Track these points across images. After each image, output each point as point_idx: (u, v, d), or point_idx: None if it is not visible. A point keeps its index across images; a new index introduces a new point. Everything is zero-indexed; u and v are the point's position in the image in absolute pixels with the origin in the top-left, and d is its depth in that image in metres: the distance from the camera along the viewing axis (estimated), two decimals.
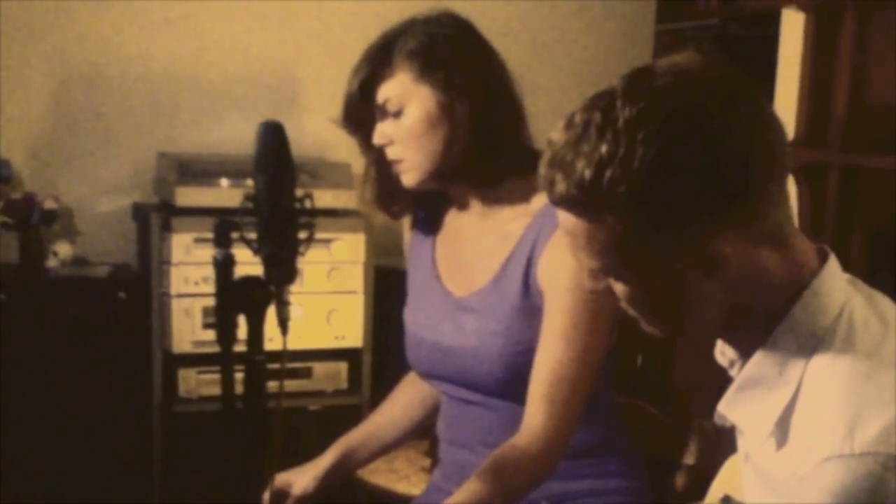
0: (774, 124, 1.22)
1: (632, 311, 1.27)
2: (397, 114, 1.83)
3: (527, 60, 1.93)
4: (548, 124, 1.26)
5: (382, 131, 1.85)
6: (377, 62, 1.84)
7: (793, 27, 3.42)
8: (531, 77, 1.98)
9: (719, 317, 1.25)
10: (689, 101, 1.17)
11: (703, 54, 1.21)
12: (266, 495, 1.61)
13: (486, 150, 1.83)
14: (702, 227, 1.17)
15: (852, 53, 3.29)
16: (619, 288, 1.25)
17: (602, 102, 1.18)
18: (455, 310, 1.91)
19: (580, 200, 1.18)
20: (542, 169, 1.22)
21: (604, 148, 1.15)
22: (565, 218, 1.22)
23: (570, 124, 1.19)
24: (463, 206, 1.95)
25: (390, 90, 1.82)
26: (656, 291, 1.23)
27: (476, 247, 1.93)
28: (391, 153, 1.85)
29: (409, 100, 1.82)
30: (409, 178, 1.86)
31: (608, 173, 1.15)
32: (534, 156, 1.85)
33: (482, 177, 1.87)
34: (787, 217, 1.24)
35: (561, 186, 1.19)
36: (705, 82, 1.19)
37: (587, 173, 1.16)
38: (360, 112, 1.86)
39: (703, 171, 1.15)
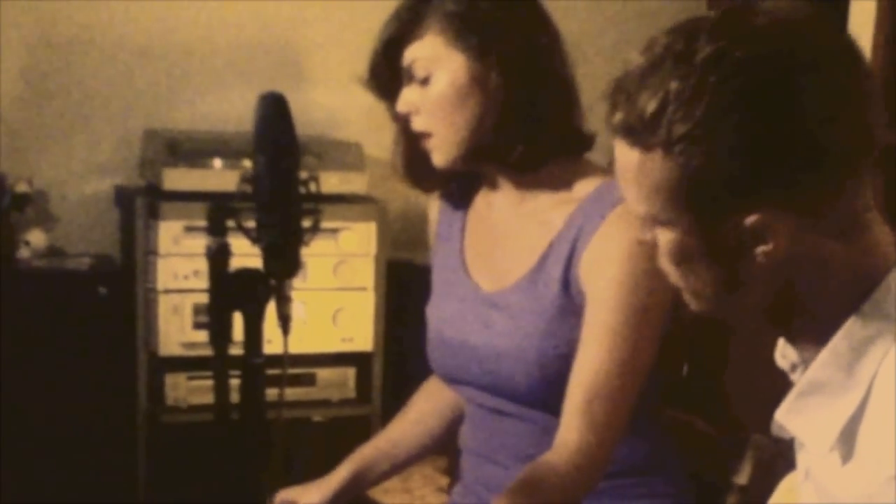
0: (872, 105, 1.22)
1: (673, 276, 1.29)
2: (424, 80, 1.83)
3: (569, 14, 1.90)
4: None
5: (407, 98, 1.86)
6: (407, 20, 1.84)
7: None
8: (576, 35, 1.97)
9: (765, 300, 1.26)
10: (774, 48, 1.18)
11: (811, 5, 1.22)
12: None
13: (522, 131, 1.83)
14: (758, 197, 1.18)
15: None
16: (663, 239, 1.26)
17: (689, 29, 1.21)
18: (484, 306, 1.91)
19: (637, 131, 1.21)
20: (610, 89, 1.25)
21: (673, 84, 1.18)
22: (620, 150, 1.25)
23: (650, 47, 1.23)
24: (497, 189, 1.95)
25: (417, 52, 1.83)
26: (699, 249, 1.24)
27: (510, 237, 1.93)
28: (416, 124, 1.86)
29: (437, 66, 1.82)
30: (439, 157, 1.87)
31: (670, 110, 1.17)
32: (581, 139, 1.86)
33: (519, 159, 1.86)
34: (866, 204, 1.24)
35: (620, 114, 1.23)
36: (800, 35, 1.20)
37: (650, 106, 1.19)
38: (386, 74, 1.87)
39: (770, 134, 1.16)
